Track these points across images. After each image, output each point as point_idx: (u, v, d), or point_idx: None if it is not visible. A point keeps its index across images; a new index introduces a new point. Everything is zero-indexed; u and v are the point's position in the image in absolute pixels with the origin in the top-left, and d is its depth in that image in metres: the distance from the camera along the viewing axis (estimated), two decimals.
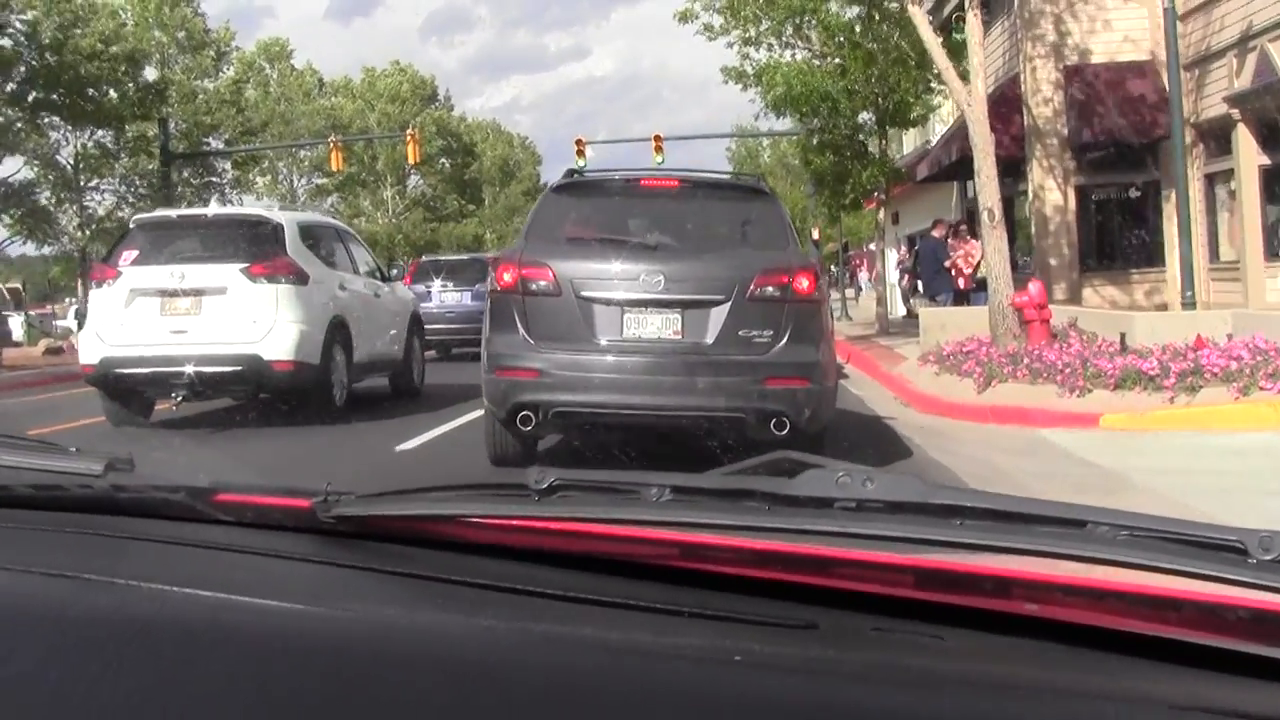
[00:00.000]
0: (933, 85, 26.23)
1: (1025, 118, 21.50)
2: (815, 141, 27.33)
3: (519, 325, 8.23)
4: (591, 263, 8.40)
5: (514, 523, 1.43)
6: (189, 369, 11.89)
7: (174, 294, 12.14)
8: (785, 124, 56.43)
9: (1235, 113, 18.87)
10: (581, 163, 41.51)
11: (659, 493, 1.32)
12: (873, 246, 73.73)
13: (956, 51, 17.73)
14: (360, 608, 1.30)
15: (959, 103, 15.26)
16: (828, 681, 1.06)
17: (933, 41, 15.56)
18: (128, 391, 12.66)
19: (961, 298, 19.61)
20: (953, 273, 19.51)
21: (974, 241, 20.21)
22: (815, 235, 47.23)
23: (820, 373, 8.29)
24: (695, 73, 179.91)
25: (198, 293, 12.10)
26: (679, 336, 8.19)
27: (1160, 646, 1.11)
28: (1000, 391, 12.63)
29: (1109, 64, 21.17)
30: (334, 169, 47.78)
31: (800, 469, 1.32)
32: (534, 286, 8.25)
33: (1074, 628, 1.15)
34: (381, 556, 1.44)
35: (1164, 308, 20.81)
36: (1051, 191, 21.35)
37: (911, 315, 36.65)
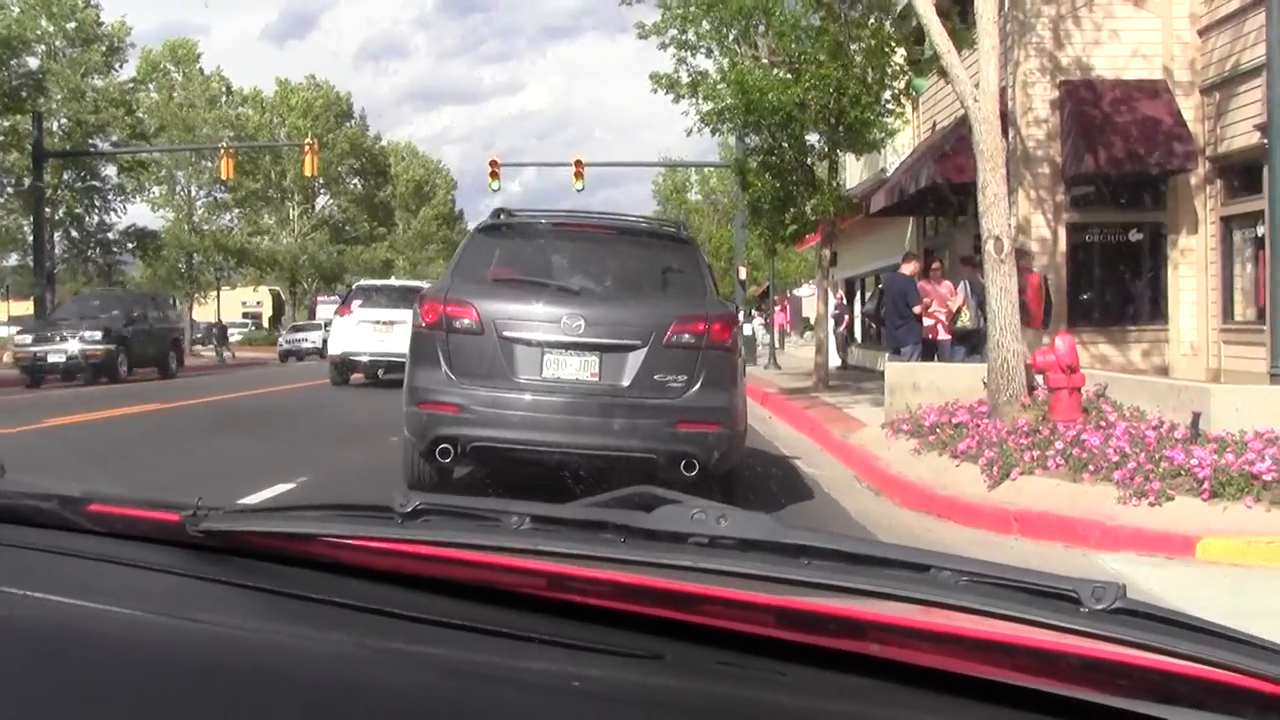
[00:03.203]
0: (891, 106, 22.93)
1: (1012, 140, 18.04)
2: (756, 163, 23.80)
3: (442, 361, 8.29)
4: (515, 304, 8.41)
5: (375, 544, 1.43)
6: (385, 360, 22.80)
7: (379, 323, 23.71)
8: (714, 152, 53.18)
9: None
10: (495, 185, 39.65)
11: (519, 521, 1.37)
12: (797, 292, 71.00)
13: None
14: (217, 620, 1.30)
15: (961, 97, 11.65)
16: (665, 711, 1.10)
17: (930, 15, 11.95)
18: (351, 369, 24.38)
19: (929, 350, 15.89)
20: (924, 320, 15.74)
21: (947, 283, 16.61)
22: (743, 275, 43.43)
23: (731, 417, 8.33)
24: (628, 113, 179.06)
25: (390, 323, 22.93)
26: (596, 378, 8.20)
27: (997, 690, 1.13)
28: (1025, 488, 8.95)
29: (1115, 81, 17.74)
30: (224, 177, 43.42)
31: (658, 504, 1.35)
32: (458, 324, 8.29)
33: (915, 669, 1.16)
34: (244, 572, 1.46)
35: (1165, 371, 17.42)
36: (1039, 228, 17.86)
37: (846, 366, 33.37)
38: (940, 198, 19.88)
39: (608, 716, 1.08)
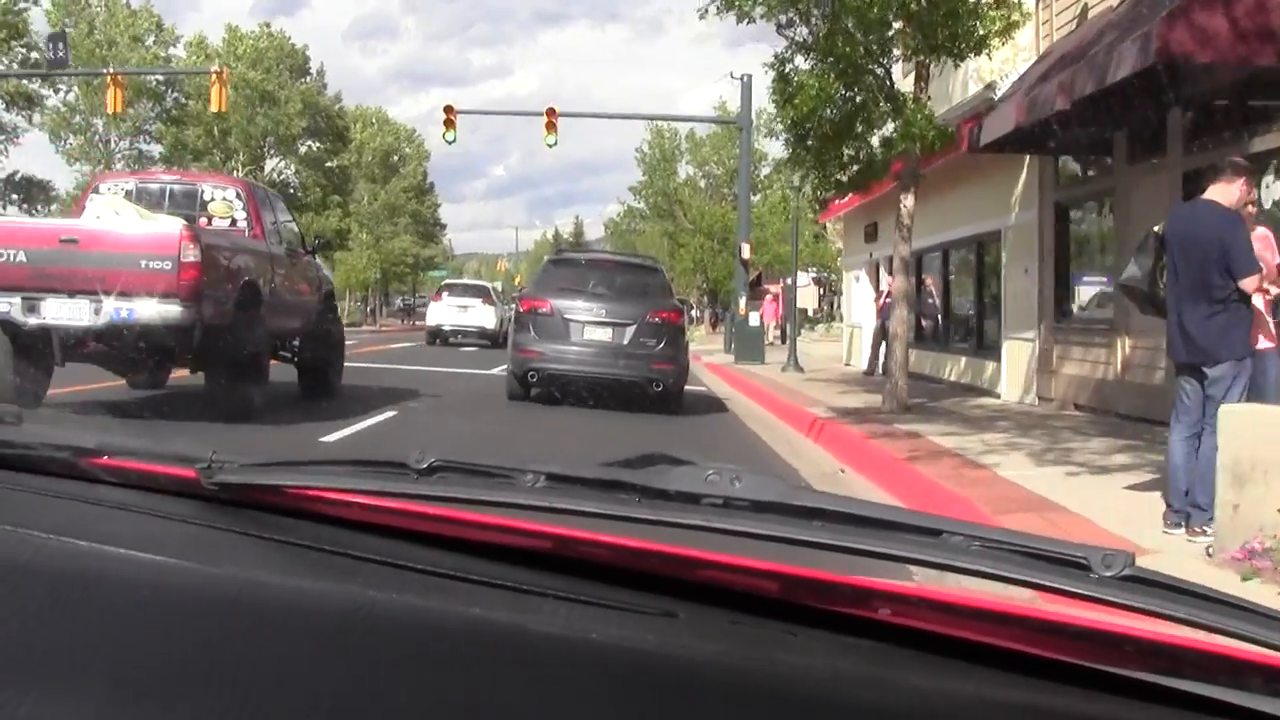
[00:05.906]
0: None
1: None
2: (807, 63, 15.58)
3: (531, 330, 16.51)
4: (569, 300, 16.58)
5: (390, 504, 1.45)
6: (461, 330, 41.47)
7: (460, 306, 41.93)
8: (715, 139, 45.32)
9: None
10: (450, 136, 37.93)
11: (534, 479, 1.35)
12: (795, 280, 62.85)
13: None
14: (232, 567, 1.29)
15: None
16: (680, 665, 1.09)
17: None
18: (440, 336, 41.12)
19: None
20: (1262, 306, 7.29)
21: (1262, 230, 8.23)
22: (745, 254, 35.28)
23: (680, 361, 16.82)
24: (615, 102, 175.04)
25: (466, 307, 41.81)
26: (610, 339, 16.35)
27: (1005, 656, 1.13)
28: None
29: None
30: (110, 110, 34.87)
31: (673, 466, 1.34)
32: (540, 311, 16.61)
33: (925, 636, 1.16)
34: (259, 524, 1.46)
35: None
36: None
37: (871, 372, 25.09)
38: (1149, 94, 11.64)
39: (626, 670, 1.05)
